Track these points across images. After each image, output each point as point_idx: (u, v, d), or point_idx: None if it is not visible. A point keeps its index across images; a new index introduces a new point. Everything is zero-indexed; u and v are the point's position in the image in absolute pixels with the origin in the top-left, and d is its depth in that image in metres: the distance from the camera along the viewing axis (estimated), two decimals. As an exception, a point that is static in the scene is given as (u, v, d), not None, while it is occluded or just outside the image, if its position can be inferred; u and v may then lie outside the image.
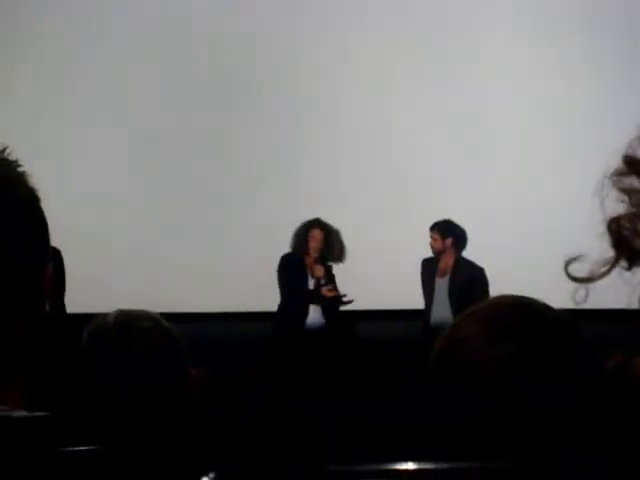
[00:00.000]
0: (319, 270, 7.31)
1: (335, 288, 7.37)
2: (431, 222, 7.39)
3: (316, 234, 7.31)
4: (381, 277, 8.31)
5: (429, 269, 7.42)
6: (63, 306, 7.09)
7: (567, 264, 0.96)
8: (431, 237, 7.37)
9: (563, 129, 8.47)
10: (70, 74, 8.98)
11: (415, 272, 7.45)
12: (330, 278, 7.37)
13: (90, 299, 7.26)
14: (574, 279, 0.94)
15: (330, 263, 7.40)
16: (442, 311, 7.17)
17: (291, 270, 7.32)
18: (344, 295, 7.36)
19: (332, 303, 7.37)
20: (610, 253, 0.92)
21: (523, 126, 8.55)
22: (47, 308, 1.02)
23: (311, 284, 7.37)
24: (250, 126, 8.85)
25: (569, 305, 1.08)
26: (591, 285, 0.94)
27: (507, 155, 8.50)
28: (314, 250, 7.31)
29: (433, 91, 8.70)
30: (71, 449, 0.94)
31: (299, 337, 7.17)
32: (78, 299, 7.32)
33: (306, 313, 7.28)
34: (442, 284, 7.34)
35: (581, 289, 0.95)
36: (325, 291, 7.30)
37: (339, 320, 7.44)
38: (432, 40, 8.68)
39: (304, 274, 7.34)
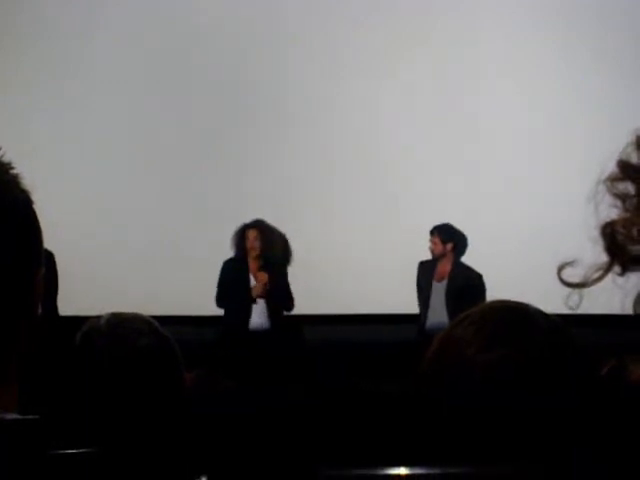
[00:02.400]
0: (261, 276, 7.16)
1: (288, 292, 7.23)
2: (426, 225, 7.31)
3: (249, 234, 7.17)
4: (377, 280, 8.28)
5: (426, 272, 7.30)
6: (55, 308, 7.09)
7: (560, 269, 0.96)
8: (431, 241, 7.23)
9: (560, 134, 8.46)
10: (68, 74, 8.96)
11: (411, 276, 7.39)
12: (277, 282, 7.20)
13: (84, 301, 7.26)
14: (567, 284, 0.94)
15: (275, 264, 7.20)
16: (438, 315, 7.05)
17: (228, 272, 7.23)
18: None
19: (272, 300, 7.22)
20: (603, 258, 0.92)
21: (518, 132, 8.55)
22: (40, 311, 1.02)
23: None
24: (249, 127, 8.83)
25: (563, 310, 1.08)
26: (585, 290, 0.94)
27: (501, 160, 8.48)
28: (252, 250, 7.16)
29: (432, 94, 8.68)
30: (63, 452, 0.94)
31: (243, 339, 7.05)
32: (72, 301, 7.31)
33: (248, 314, 7.13)
34: (439, 288, 7.22)
35: (574, 294, 0.95)
36: (260, 276, 7.17)
37: (285, 322, 7.29)
38: (432, 40, 8.67)
39: (245, 275, 7.22)
